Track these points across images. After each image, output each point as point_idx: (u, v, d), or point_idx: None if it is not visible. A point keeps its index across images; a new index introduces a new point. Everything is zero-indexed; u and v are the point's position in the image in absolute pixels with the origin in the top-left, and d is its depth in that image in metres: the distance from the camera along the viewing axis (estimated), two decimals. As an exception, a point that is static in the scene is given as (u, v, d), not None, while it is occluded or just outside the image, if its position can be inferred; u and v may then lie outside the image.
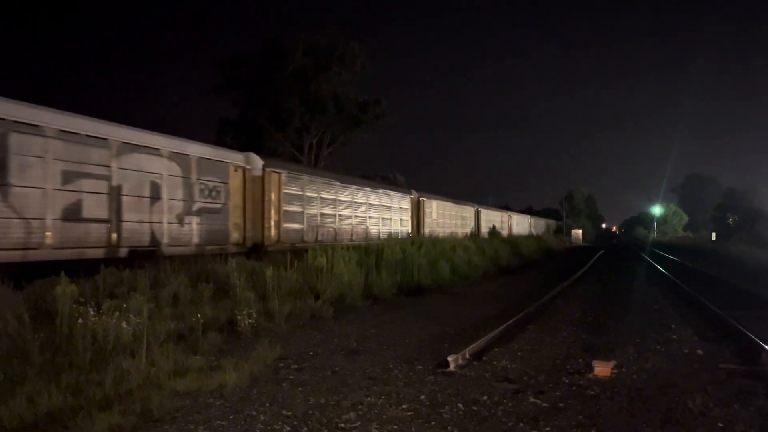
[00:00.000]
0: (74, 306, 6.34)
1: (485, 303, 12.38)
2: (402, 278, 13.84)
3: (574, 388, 5.76)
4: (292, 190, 16.28)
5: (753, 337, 7.69)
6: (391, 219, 23.50)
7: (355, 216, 20.40)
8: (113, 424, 4.45)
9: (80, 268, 8.44)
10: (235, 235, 14.15)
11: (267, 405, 5.10)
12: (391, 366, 6.58)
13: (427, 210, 27.44)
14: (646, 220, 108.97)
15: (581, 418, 4.84)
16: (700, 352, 7.41)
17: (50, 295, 6.73)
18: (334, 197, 18.78)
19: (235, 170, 14.32)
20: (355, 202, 20.47)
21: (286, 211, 15.91)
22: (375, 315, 10.36)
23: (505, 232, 42.94)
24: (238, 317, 8.12)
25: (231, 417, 4.78)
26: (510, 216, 49.82)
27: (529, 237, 45.14)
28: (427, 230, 26.70)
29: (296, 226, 16.40)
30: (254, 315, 8.30)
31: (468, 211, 35.39)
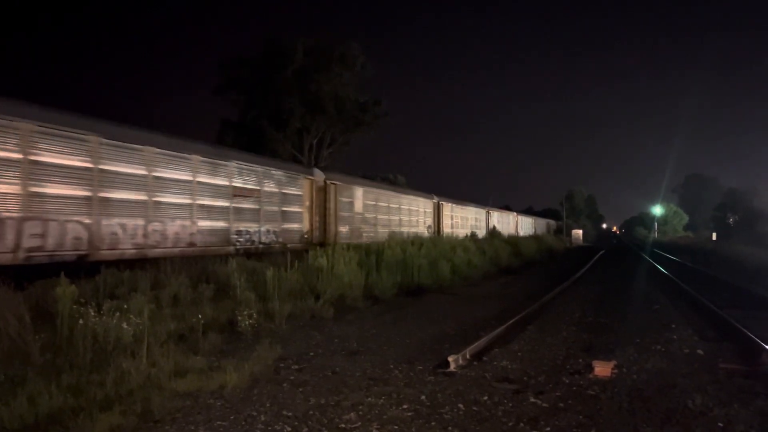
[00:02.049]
0: (75, 307, 6.35)
1: (485, 303, 12.38)
2: (402, 278, 13.85)
3: (574, 388, 5.76)
4: None
5: (753, 336, 7.70)
6: (259, 210, 14.78)
7: (156, 202, 11.58)
8: (114, 424, 4.46)
9: (81, 269, 8.45)
10: None
11: (267, 405, 5.11)
12: (392, 366, 6.58)
13: (343, 200, 19.50)
14: (646, 220, 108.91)
15: (581, 418, 4.85)
16: (700, 351, 7.41)
17: (51, 296, 6.73)
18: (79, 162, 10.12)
19: None
20: (161, 179, 11.76)
21: None
22: (375, 315, 10.37)
23: (480, 233, 36.30)
24: (239, 318, 8.12)
25: (231, 417, 4.79)
26: (489, 213, 41.93)
27: (518, 238, 38.74)
28: (343, 229, 19.21)
29: None
30: (254, 315, 8.30)
31: (421, 204, 27.75)
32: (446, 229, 30.54)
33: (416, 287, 14.06)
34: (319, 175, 18.47)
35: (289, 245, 15.46)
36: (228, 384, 5.55)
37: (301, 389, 5.62)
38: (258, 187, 15.03)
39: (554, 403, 5.27)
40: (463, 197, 37.78)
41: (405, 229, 24.27)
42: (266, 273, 9.95)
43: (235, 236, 13.85)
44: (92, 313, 6.25)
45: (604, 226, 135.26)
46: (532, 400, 5.36)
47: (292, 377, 6.05)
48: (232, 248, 13.38)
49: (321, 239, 17.56)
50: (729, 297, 13.22)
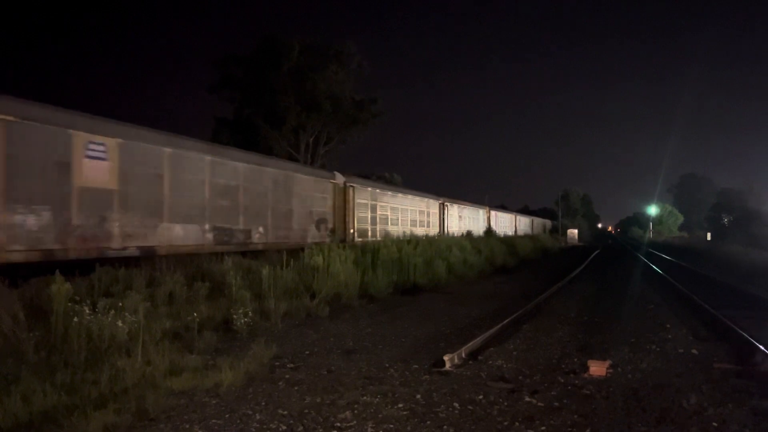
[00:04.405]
0: (69, 305, 6.33)
1: (481, 302, 12.39)
2: (398, 277, 13.85)
3: (569, 387, 5.77)
4: None
5: (747, 336, 7.73)
6: None
7: None
8: (108, 422, 4.44)
9: (76, 267, 8.41)
10: None
11: (263, 404, 5.10)
12: (387, 365, 6.58)
13: (37, 153, 9.18)
14: (641, 219, 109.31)
15: (576, 418, 4.86)
16: (694, 351, 7.44)
17: (45, 294, 6.71)
18: None
19: None
20: None
21: None
22: (371, 314, 10.36)
23: (431, 231, 27.82)
24: (234, 316, 8.11)
25: (227, 416, 4.78)
26: (444, 206, 31.25)
27: (514, 238, 35.93)
28: (28, 223, 8.93)
29: None
30: (250, 314, 8.29)
31: (308, 186, 17.46)
32: (363, 225, 20.78)
33: (412, 286, 14.07)
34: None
35: None
36: (223, 382, 5.54)
37: (296, 388, 5.61)
38: None
39: (549, 402, 5.28)
40: (461, 196, 36.37)
41: (285, 230, 15.82)
42: (262, 271, 9.94)
43: None
44: (87, 311, 6.23)
45: (600, 225, 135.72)
46: (528, 399, 5.37)
47: (287, 376, 6.04)
48: None
49: None
50: (723, 297, 13.26)
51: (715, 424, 4.72)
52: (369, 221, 21.33)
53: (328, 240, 16.86)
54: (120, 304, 6.86)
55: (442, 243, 19.09)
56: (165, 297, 8.67)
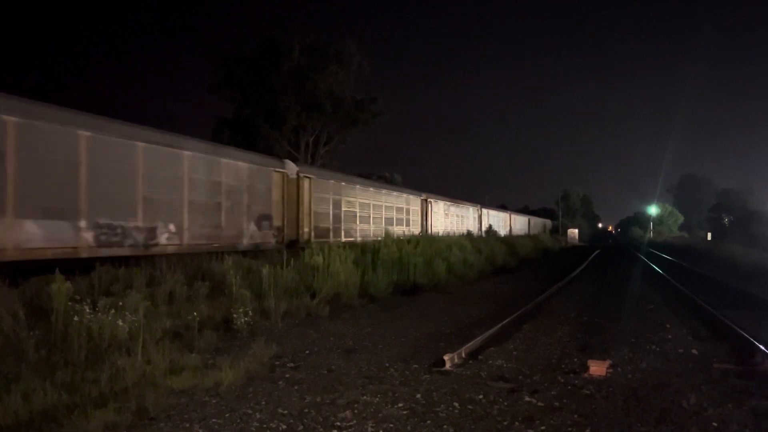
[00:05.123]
0: (70, 304, 6.33)
1: (481, 302, 12.39)
2: (398, 277, 13.85)
3: (569, 387, 5.77)
4: None
5: (747, 336, 7.74)
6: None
7: None
8: (108, 421, 4.44)
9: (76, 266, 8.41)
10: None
11: (263, 403, 5.10)
12: (387, 365, 6.58)
13: None
14: (641, 220, 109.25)
15: (576, 417, 4.86)
16: (694, 351, 7.45)
17: (45, 293, 6.71)
18: None
19: None
20: None
21: None
22: (371, 314, 10.37)
23: (412, 230, 24.85)
24: (234, 315, 8.11)
25: (227, 415, 4.78)
26: (428, 203, 28.35)
27: (514, 238, 35.02)
28: None
29: None
30: (250, 313, 8.29)
31: (264, 177, 15.04)
32: (323, 223, 17.86)
33: (412, 286, 14.07)
34: None
35: None
36: (223, 382, 5.55)
37: (296, 387, 5.61)
38: None
39: (549, 402, 5.28)
40: (460, 196, 36.13)
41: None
42: (262, 271, 9.94)
43: None
44: (87, 310, 6.24)
45: (600, 225, 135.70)
46: (527, 399, 5.37)
47: (287, 375, 6.04)
48: None
49: None
50: (723, 297, 13.26)
51: (714, 424, 4.72)
52: (331, 219, 18.39)
53: (273, 241, 14.80)
54: (120, 303, 6.86)
55: (442, 243, 19.07)
56: (165, 296, 8.68)
